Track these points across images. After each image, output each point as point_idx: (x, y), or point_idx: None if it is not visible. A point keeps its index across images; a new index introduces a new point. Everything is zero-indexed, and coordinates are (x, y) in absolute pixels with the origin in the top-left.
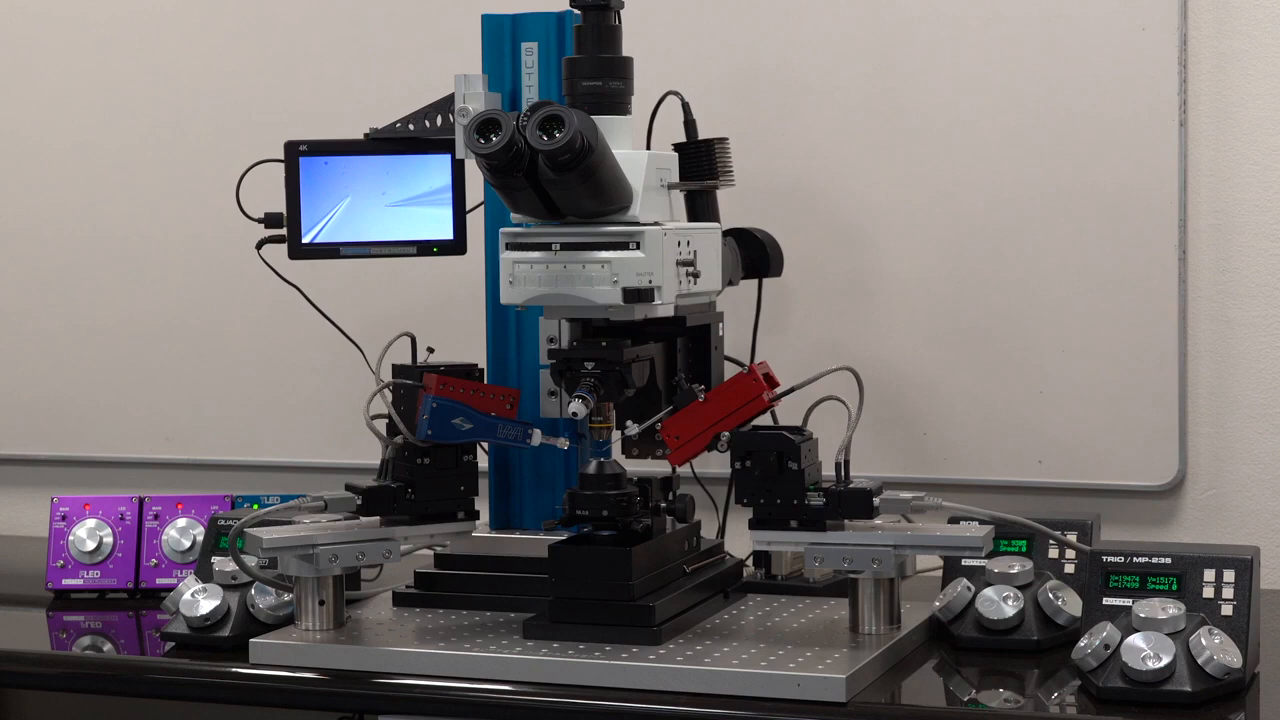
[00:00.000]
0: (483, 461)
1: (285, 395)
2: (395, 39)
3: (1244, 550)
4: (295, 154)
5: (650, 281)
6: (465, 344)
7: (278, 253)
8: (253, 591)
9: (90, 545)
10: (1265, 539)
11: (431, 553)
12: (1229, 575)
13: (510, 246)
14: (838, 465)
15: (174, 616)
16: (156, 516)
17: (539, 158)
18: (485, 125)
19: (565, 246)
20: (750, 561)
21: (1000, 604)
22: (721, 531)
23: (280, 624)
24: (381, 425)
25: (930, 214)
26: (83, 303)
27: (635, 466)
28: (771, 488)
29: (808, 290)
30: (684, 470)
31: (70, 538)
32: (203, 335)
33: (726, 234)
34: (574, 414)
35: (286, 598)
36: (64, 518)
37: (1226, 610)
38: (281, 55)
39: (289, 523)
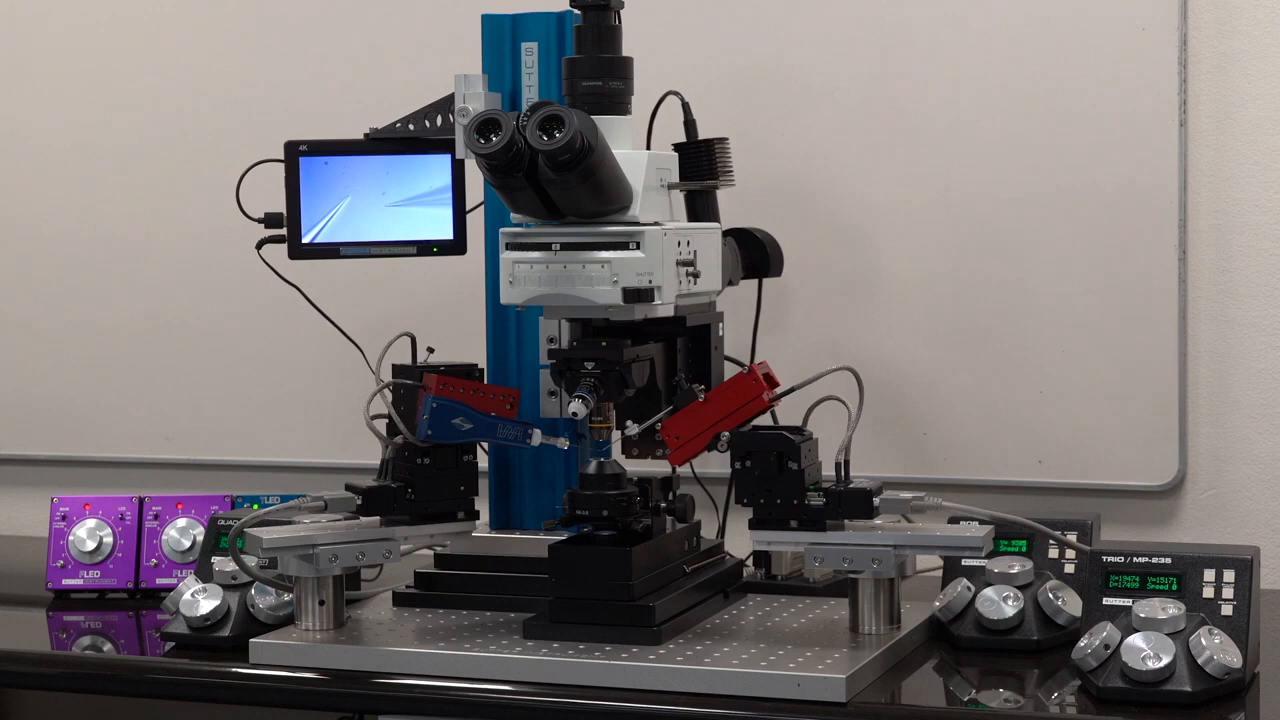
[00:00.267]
0: (483, 461)
1: (285, 395)
2: (395, 39)
3: (1244, 550)
4: (295, 154)
5: (650, 281)
6: (465, 344)
7: (278, 253)
8: (253, 591)
9: (90, 545)
10: (1265, 539)
11: (431, 553)
12: (1229, 575)
13: (510, 246)
14: (838, 465)
15: (174, 616)
16: (156, 516)
17: (539, 158)
18: (485, 125)
19: (565, 246)
20: (750, 561)
21: (1000, 604)
22: (721, 531)
23: (280, 624)
24: (381, 425)
25: (930, 214)
26: (83, 303)
27: (635, 466)
28: (771, 488)
29: (808, 290)
30: (684, 470)
31: (70, 538)
32: (203, 335)
33: (726, 234)
34: (574, 414)
35: (286, 598)
36: (64, 518)
37: (1226, 610)
38: (281, 55)
39: (289, 523)
